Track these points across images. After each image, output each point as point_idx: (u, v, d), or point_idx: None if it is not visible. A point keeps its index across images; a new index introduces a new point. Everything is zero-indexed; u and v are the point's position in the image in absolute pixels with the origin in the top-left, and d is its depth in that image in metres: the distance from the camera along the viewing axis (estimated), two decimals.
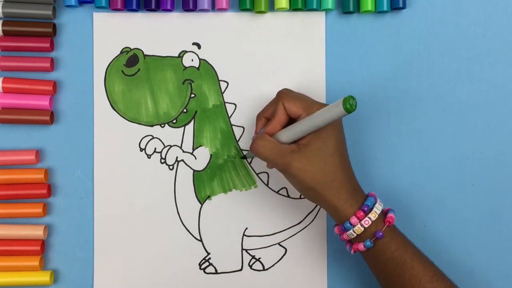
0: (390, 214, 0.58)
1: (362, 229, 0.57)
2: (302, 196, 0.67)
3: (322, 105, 0.59)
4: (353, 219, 0.57)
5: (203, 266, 0.67)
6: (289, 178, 0.59)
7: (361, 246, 0.58)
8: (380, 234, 0.57)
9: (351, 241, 0.59)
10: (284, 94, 0.61)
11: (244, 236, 0.67)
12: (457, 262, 0.67)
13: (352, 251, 0.59)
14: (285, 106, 0.60)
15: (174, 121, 0.67)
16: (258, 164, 0.67)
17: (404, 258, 0.57)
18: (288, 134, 0.59)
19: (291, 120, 0.60)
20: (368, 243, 0.57)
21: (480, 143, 0.67)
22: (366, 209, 0.57)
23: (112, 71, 0.67)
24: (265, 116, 0.62)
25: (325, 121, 0.56)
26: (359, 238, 0.58)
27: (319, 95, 0.67)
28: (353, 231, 0.57)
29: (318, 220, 0.67)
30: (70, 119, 0.67)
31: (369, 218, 0.57)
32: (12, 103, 0.66)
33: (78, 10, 0.67)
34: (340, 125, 0.60)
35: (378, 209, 0.58)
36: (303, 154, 0.57)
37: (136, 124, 0.67)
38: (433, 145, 0.67)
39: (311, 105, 0.59)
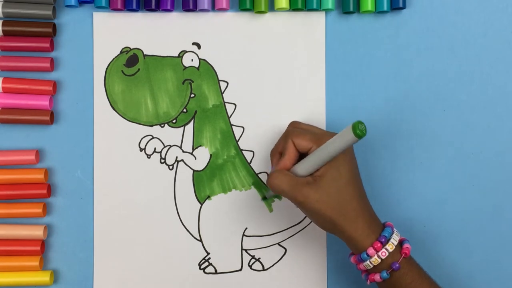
0: (406, 245, 0.58)
1: (379, 260, 0.56)
2: None
3: (332, 135, 0.58)
4: (370, 250, 0.57)
5: (202, 266, 0.67)
6: (307, 211, 0.59)
7: (377, 277, 0.57)
8: (397, 265, 0.56)
9: (367, 271, 0.59)
10: (291, 131, 0.61)
11: (244, 236, 0.67)
12: (457, 262, 0.67)
13: (368, 282, 0.59)
14: (294, 143, 0.60)
15: (174, 121, 0.67)
16: (258, 164, 0.67)
17: None
18: (303, 168, 0.59)
19: (302, 155, 0.60)
20: (385, 274, 0.57)
21: (480, 143, 0.67)
22: (383, 240, 0.57)
23: (112, 71, 0.67)
24: (279, 152, 0.62)
25: (338, 149, 0.55)
26: (376, 269, 0.57)
27: (319, 96, 0.67)
28: (370, 262, 0.57)
29: None
30: (70, 119, 0.67)
31: (386, 249, 0.56)
32: (12, 103, 0.66)
33: (78, 10, 0.67)
34: (352, 153, 0.60)
35: (395, 240, 0.57)
36: (319, 185, 0.57)
37: (136, 124, 0.67)
38: (433, 145, 0.67)
39: (320, 136, 0.59)
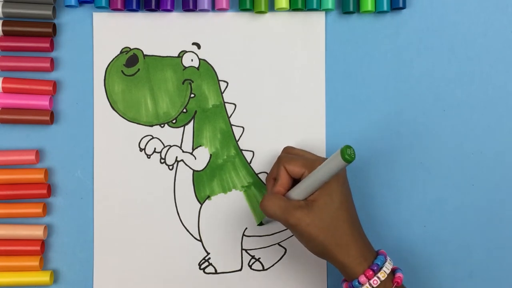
0: (399, 274, 0.58)
1: None
2: None
3: (324, 160, 0.58)
4: (362, 278, 0.56)
5: (202, 266, 0.67)
6: (299, 234, 0.58)
7: None
8: None
9: None
10: (284, 157, 0.61)
11: (244, 236, 0.67)
12: (457, 262, 0.67)
13: None
14: (287, 169, 0.60)
15: (174, 121, 0.67)
16: (258, 164, 0.67)
17: None
18: (297, 193, 0.59)
19: (296, 180, 0.60)
20: None
21: (480, 143, 0.67)
22: (375, 268, 0.57)
23: (112, 71, 0.67)
24: (273, 178, 0.62)
25: (328, 174, 0.56)
26: None
27: (319, 96, 0.67)
28: None
29: None
30: (70, 119, 0.67)
31: (378, 277, 0.56)
32: (12, 103, 0.66)
33: (78, 10, 0.67)
34: (345, 178, 0.60)
35: (387, 268, 0.57)
36: (311, 209, 0.57)
37: (136, 124, 0.67)
38: (433, 145, 0.67)
39: (312, 162, 0.59)
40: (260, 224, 0.67)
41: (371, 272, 0.56)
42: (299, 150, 0.64)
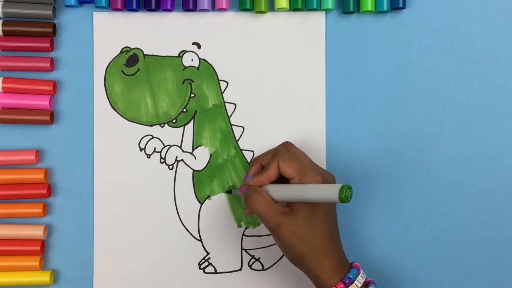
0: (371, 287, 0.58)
1: None
2: None
3: (316, 173, 0.58)
4: None
5: (202, 266, 0.67)
6: (278, 240, 0.59)
7: None
8: None
9: None
10: (281, 152, 0.61)
11: (244, 236, 0.67)
12: (457, 262, 0.67)
13: None
14: (279, 165, 0.60)
15: (174, 120, 0.67)
16: None
17: None
18: (278, 194, 0.59)
19: (283, 176, 0.60)
20: None
21: (480, 143, 0.67)
22: (347, 281, 0.57)
23: (112, 71, 0.67)
24: (261, 163, 0.62)
25: (318, 200, 0.56)
26: None
27: (319, 96, 0.67)
28: None
29: None
30: (70, 119, 0.67)
31: None
32: (12, 103, 0.66)
33: (78, 10, 0.67)
34: None
35: (359, 282, 0.57)
36: (294, 218, 0.57)
37: (136, 124, 0.67)
38: (433, 145, 0.67)
39: (305, 170, 0.59)
40: (228, 192, 0.67)
41: (342, 285, 0.56)
42: (298, 150, 0.63)
